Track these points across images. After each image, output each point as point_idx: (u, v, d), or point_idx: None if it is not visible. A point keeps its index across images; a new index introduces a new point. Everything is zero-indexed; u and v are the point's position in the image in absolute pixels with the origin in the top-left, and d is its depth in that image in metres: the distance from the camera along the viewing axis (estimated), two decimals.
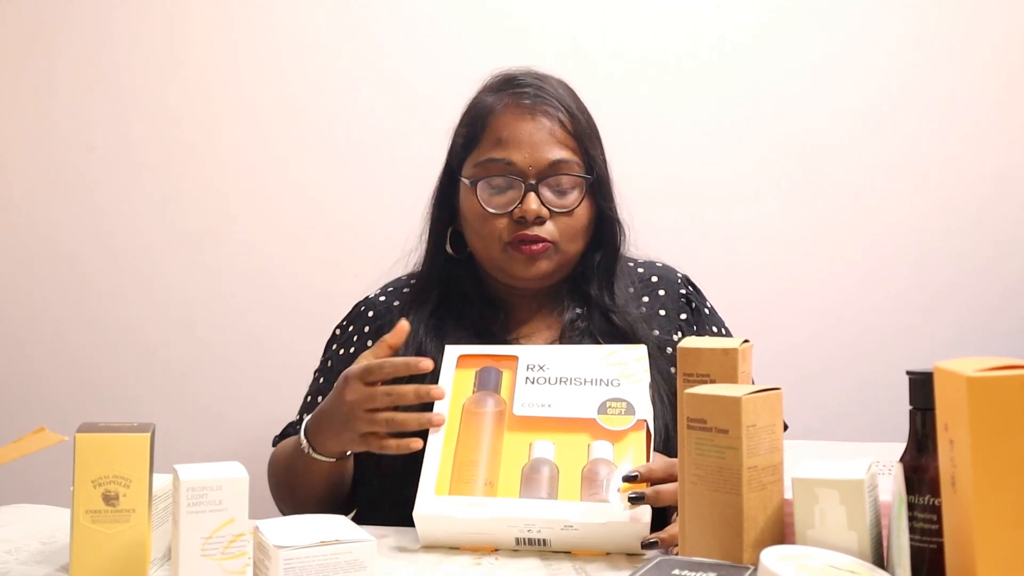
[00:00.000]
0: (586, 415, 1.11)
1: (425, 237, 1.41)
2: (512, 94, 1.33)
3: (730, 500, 0.85)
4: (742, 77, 1.91)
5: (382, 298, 1.42)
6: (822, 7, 1.91)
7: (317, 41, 1.93)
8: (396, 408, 1.12)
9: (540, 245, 1.28)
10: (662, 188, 1.86)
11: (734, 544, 0.85)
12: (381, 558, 0.99)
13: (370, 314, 1.40)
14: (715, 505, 0.86)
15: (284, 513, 1.37)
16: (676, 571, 0.79)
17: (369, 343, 1.34)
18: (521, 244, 1.28)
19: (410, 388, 1.10)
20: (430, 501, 1.05)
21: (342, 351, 1.39)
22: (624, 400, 1.12)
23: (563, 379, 1.14)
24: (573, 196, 1.30)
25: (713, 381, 0.97)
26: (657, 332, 1.33)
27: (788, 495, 0.88)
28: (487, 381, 1.15)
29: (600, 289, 1.35)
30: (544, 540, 1.04)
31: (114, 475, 0.92)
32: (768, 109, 1.90)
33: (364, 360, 1.16)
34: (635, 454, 1.08)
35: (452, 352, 1.18)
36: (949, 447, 0.71)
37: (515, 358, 1.17)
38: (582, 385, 1.13)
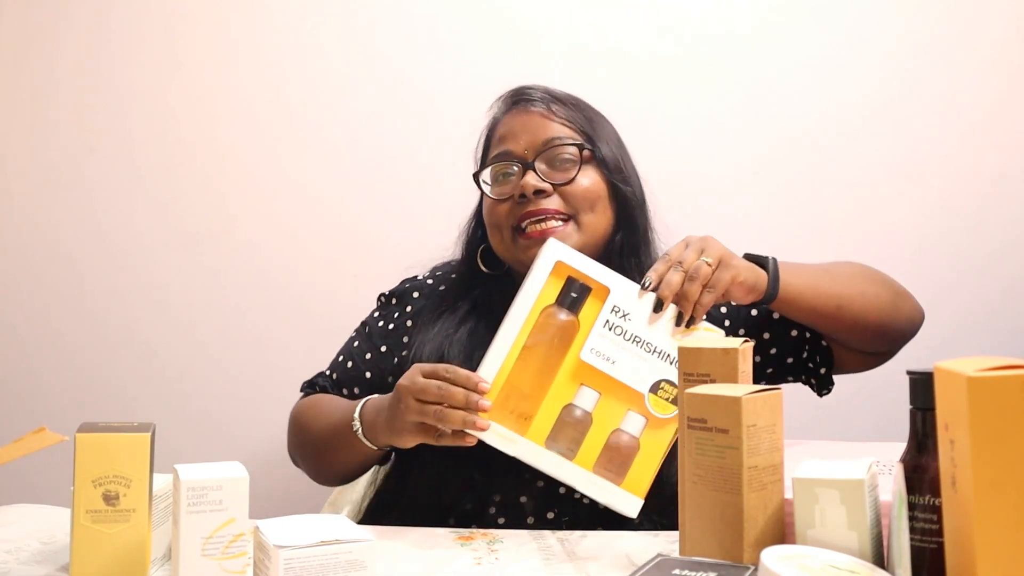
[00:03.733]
0: (639, 388, 1.15)
1: (459, 250, 1.42)
2: (516, 102, 1.37)
3: (730, 500, 0.85)
4: (741, 76, 1.91)
5: (430, 280, 1.44)
6: (822, 6, 1.91)
7: (317, 41, 1.93)
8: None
9: (548, 225, 1.27)
10: (661, 187, 1.85)
11: (734, 544, 0.85)
12: (381, 558, 0.99)
13: (416, 295, 1.42)
14: (715, 505, 0.86)
15: (297, 464, 1.42)
16: (676, 571, 0.79)
17: (409, 323, 1.38)
18: (528, 227, 1.28)
19: (460, 391, 1.12)
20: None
21: (381, 322, 1.42)
22: (677, 386, 1.13)
23: (637, 339, 1.16)
24: (573, 167, 1.30)
25: (713, 381, 0.97)
26: None
27: (788, 495, 0.88)
28: (572, 299, 1.17)
29: (624, 272, 1.35)
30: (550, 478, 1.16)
31: (114, 475, 0.92)
32: (767, 107, 1.90)
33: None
34: (659, 444, 1.15)
35: (552, 252, 1.18)
36: (949, 447, 0.71)
37: (606, 291, 1.17)
38: (651, 354, 1.15)
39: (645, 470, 1.14)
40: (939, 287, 1.90)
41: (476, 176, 1.35)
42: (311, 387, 1.43)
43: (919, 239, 1.90)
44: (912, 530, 0.78)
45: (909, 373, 0.81)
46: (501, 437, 1.13)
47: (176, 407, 1.91)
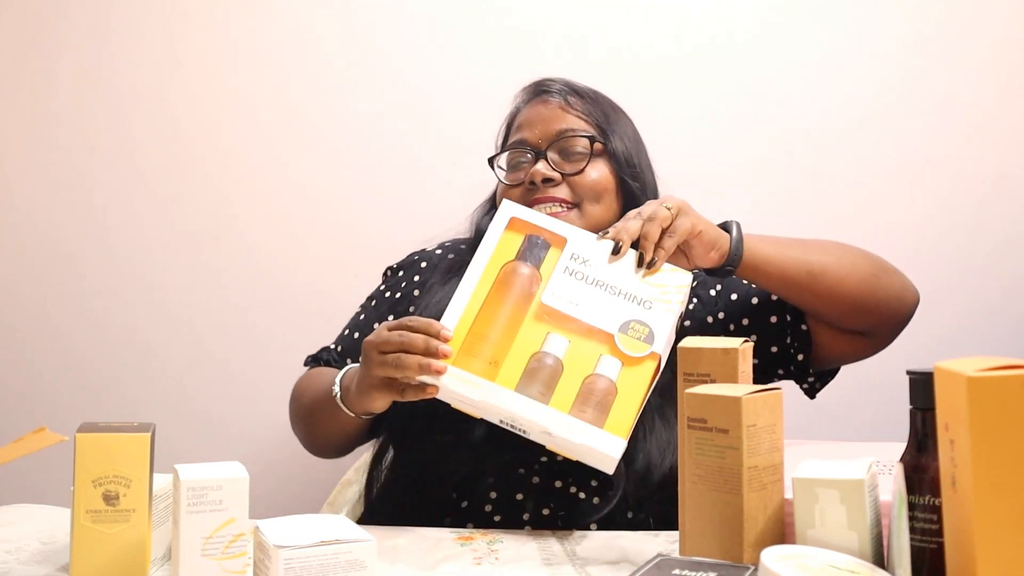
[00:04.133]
0: (607, 328, 1.11)
1: (471, 228, 1.44)
2: (537, 92, 1.41)
3: (730, 500, 0.85)
4: (741, 75, 1.91)
5: (438, 251, 1.46)
6: (822, 6, 1.91)
7: (317, 41, 1.93)
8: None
9: (553, 210, 1.30)
10: (660, 187, 1.85)
11: (734, 544, 0.85)
12: (381, 558, 0.99)
13: (423, 264, 1.44)
14: (715, 505, 0.86)
15: (297, 436, 1.42)
16: (676, 571, 0.79)
17: (416, 292, 1.40)
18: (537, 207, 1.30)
19: (420, 337, 1.10)
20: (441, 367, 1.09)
21: (388, 293, 1.44)
22: (648, 326, 1.11)
23: (600, 282, 1.14)
24: (584, 159, 1.34)
25: (713, 381, 0.97)
26: (688, 322, 1.33)
27: (788, 495, 0.88)
28: (531, 253, 1.16)
29: None
30: (524, 431, 1.09)
31: (114, 475, 0.92)
32: (767, 107, 1.90)
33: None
34: (637, 384, 1.09)
35: (506, 210, 1.18)
36: (949, 447, 0.71)
37: (564, 240, 1.16)
38: (615, 295, 1.13)
39: (627, 411, 1.07)
40: (939, 287, 1.90)
41: (492, 160, 1.39)
42: (315, 360, 1.44)
43: (919, 239, 1.90)
44: (912, 530, 0.78)
45: (909, 373, 0.81)
46: (465, 383, 1.08)
47: (176, 407, 1.91)
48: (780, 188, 1.90)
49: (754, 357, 1.32)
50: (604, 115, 1.39)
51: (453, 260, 1.41)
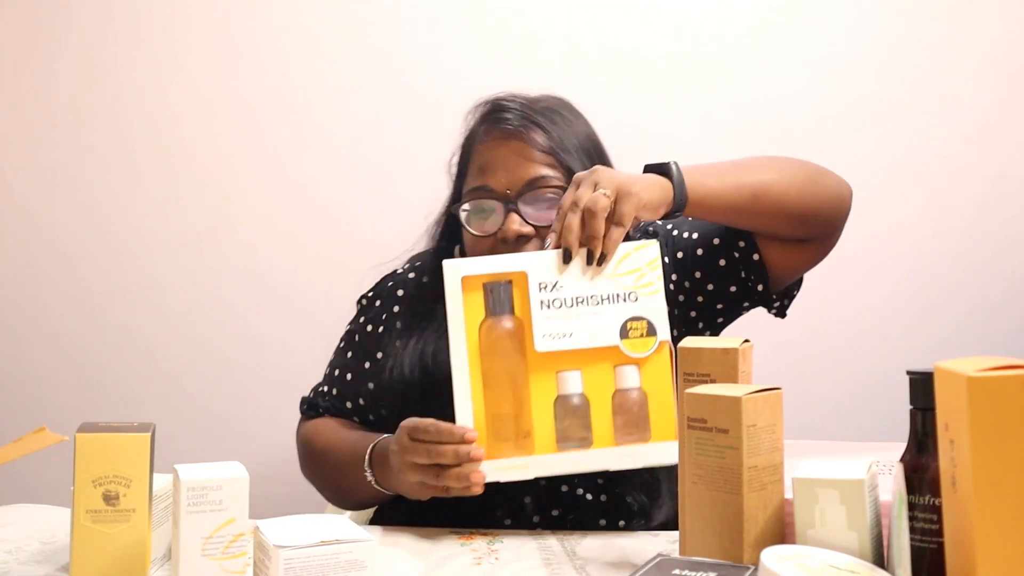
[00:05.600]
0: (609, 342, 1.09)
1: (430, 243, 1.41)
2: (494, 119, 1.33)
3: (730, 500, 0.85)
4: (740, 75, 1.91)
5: (411, 275, 1.41)
6: (822, 6, 1.91)
7: (317, 41, 1.93)
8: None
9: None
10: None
11: (734, 544, 0.85)
12: (381, 558, 0.99)
13: (399, 292, 1.40)
14: (715, 505, 0.86)
15: (316, 487, 1.39)
16: (676, 571, 0.79)
17: (399, 324, 1.35)
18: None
19: (449, 448, 1.08)
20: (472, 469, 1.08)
21: (370, 327, 1.39)
22: (644, 319, 1.09)
23: (579, 299, 1.09)
24: (555, 205, 1.25)
25: (713, 381, 0.97)
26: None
27: (788, 495, 0.88)
28: (498, 301, 1.11)
29: None
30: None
31: (114, 475, 0.92)
32: (767, 107, 1.90)
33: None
34: (661, 378, 1.09)
35: (452, 274, 1.11)
36: (949, 447, 0.71)
37: (523, 274, 1.10)
38: (600, 304, 1.09)
39: (665, 410, 1.08)
40: (939, 287, 1.90)
41: (456, 194, 1.34)
42: (313, 409, 1.39)
43: (919, 239, 1.90)
44: (912, 530, 0.78)
45: (909, 373, 0.81)
46: (510, 469, 1.07)
47: (176, 407, 1.91)
48: None
49: (717, 301, 1.32)
50: (563, 143, 1.30)
51: (421, 295, 1.36)
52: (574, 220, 1.09)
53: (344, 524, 0.90)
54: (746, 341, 1.01)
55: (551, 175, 1.28)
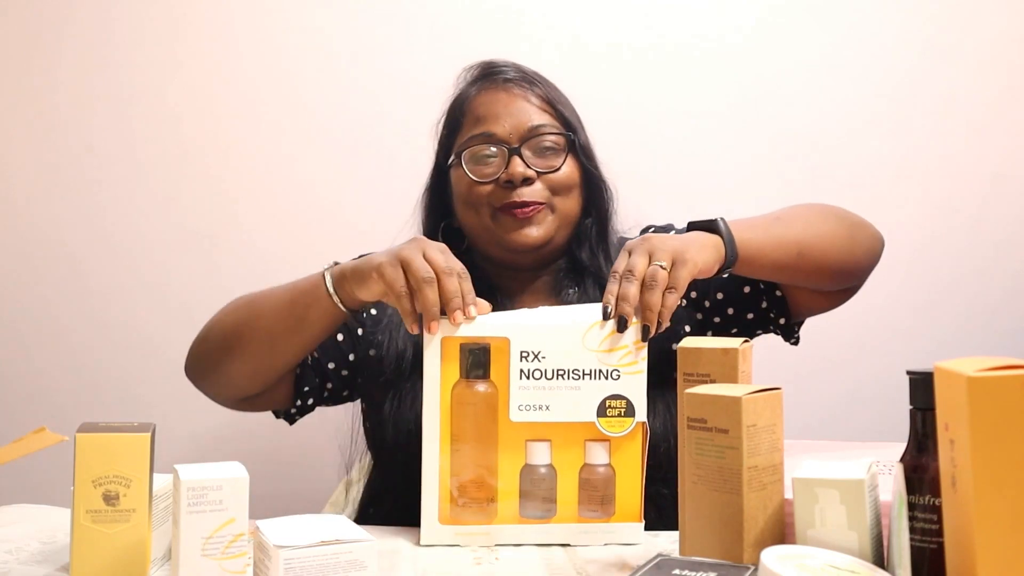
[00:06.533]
0: (585, 419, 1.07)
1: (419, 227, 1.43)
2: (490, 75, 1.37)
3: (730, 500, 0.85)
4: (740, 74, 1.91)
5: None
6: (821, 6, 1.91)
7: (318, 39, 1.93)
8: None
9: (531, 208, 1.29)
10: (659, 185, 1.86)
11: (734, 544, 0.85)
12: (381, 558, 0.99)
13: None
14: (715, 505, 0.86)
15: (208, 380, 1.36)
16: (676, 571, 0.79)
17: (390, 310, 1.34)
18: (512, 209, 1.29)
19: (454, 282, 1.07)
20: (434, 531, 1.08)
21: (374, 310, 1.38)
22: (624, 398, 1.08)
23: (561, 372, 1.07)
24: (557, 156, 1.32)
25: (713, 381, 0.97)
26: None
27: (788, 495, 0.88)
28: (475, 363, 1.08)
29: (593, 255, 1.35)
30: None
31: (114, 475, 0.92)
32: (766, 106, 1.90)
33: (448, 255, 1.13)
34: (631, 458, 1.08)
35: (432, 339, 1.08)
36: (949, 447, 0.71)
37: (507, 341, 1.08)
38: (580, 379, 1.07)
39: (632, 490, 1.08)
40: (939, 287, 1.90)
41: (445, 153, 1.36)
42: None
43: (919, 239, 1.90)
44: (912, 530, 0.78)
45: (909, 373, 0.81)
46: (471, 536, 1.07)
47: (177, 407, 1.90)
48: (780, 188, 1.90)
49: (732, 325, 1.33)
50: (566, 105, 1.36)
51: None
52: (630, 289, 1.07)
53: (344, 524, 0.90)
54: (746, 341, 1.02)
55: (551, 124, 1.33)
